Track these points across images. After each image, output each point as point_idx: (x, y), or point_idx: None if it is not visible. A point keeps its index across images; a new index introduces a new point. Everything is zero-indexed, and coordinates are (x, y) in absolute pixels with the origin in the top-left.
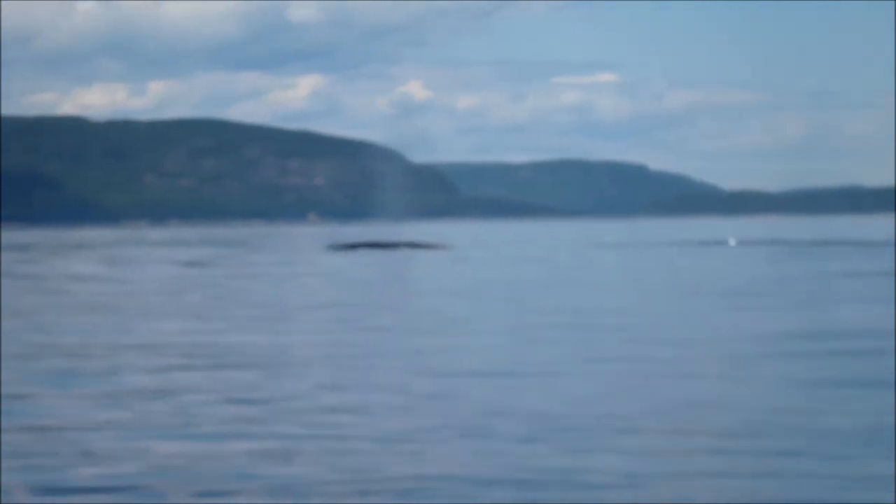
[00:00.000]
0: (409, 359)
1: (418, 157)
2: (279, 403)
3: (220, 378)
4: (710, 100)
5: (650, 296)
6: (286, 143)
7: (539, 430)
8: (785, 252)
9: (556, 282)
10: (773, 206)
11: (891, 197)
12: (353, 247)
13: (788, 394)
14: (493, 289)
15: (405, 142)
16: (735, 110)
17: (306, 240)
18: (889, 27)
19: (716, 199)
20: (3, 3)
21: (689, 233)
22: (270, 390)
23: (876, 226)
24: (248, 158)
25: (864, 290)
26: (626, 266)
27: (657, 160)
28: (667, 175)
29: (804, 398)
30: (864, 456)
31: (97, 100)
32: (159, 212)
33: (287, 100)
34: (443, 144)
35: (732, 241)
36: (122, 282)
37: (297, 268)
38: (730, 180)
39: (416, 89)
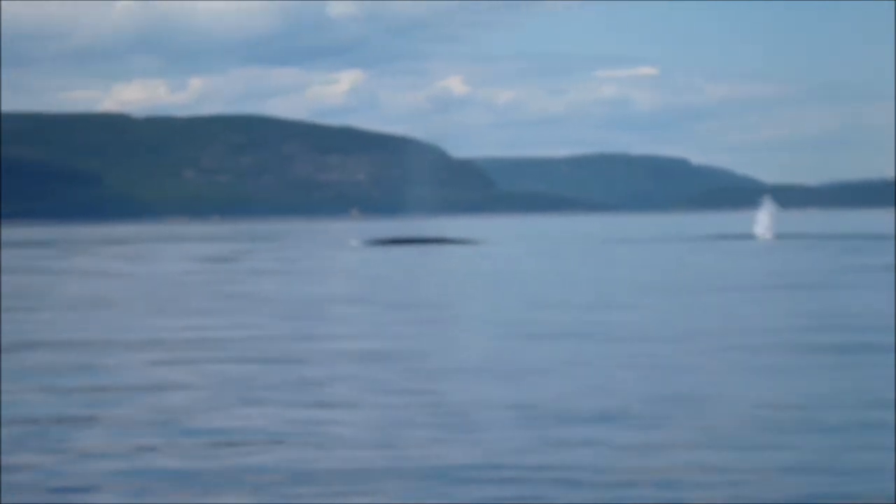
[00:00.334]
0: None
1: (457, 151)
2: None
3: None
4: (747, 92)
5: (653, 292)
6: (324, 139)
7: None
8: (820, 246)
9: (565, 278)
10: (814, 199)
11: None
12: (384, 243)
13: (756, 383)
14: (504, 283)
15: (443, 137)
16: (773, 102)
17: (339, 235)
18: None
19: (757, 193)
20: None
21: (724, 227)
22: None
23: None
24: (286, 154)
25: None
26: (641, 262)
27: (696, 153)
28: (707, 168)
29: (771, 387)
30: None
31: (137, 96)
32: (198, 207)
33: (325, 95)
34: (481, 139)
35: (767, 235)
36: (136, 277)
37: (319, 263)
38: (770, 173)
39: (454, 84)
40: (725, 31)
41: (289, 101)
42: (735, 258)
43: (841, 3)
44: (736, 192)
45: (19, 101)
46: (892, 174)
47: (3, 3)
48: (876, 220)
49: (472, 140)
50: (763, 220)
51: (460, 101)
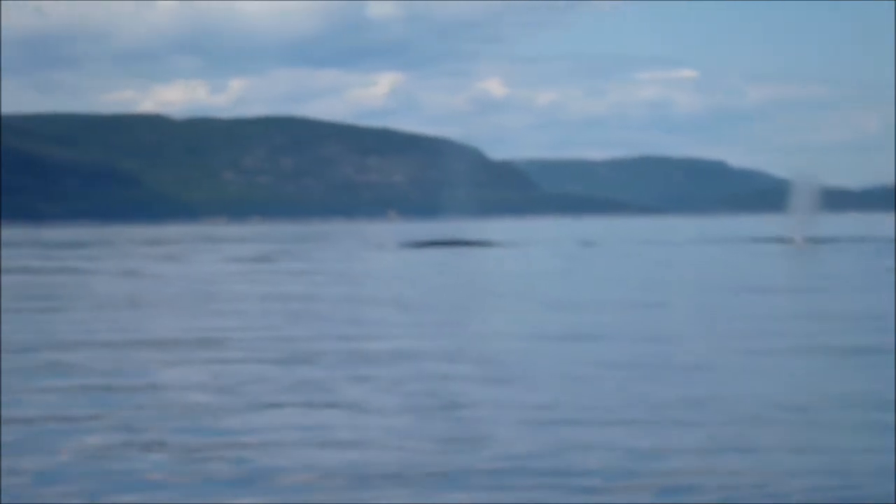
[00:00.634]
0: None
1: (496, 153)
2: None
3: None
4: (788, 94)
5: (655, 291)
6: (364, 141)
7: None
8: (851, 249)
9: (573, 280)
10: (855, 202)
11: None
12: (417, 245)
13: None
14: (510, 284)
15: (482, 138)
16: (813, 104)
17: (373, 238)
18: None
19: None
20: (79, 1)
21: (759, 229)
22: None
23: None
24: (327, 156)
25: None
26: (658, 263)
27: (735, 156)
28: (746, 171)
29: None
30: None
31: (177, 97)
32: (238, 209)
33: (366, 97)
34: (521, 140)
35: (798, 239)
36: (168, 278)
37: (349, 265)
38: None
39: (493, 86)
40: (767, 32)
41: (329, 103)
42: (760, 261)
43: (884, 3)
44: (774, 195)
45: (59, 103)
46: None
47: (44, 4)
48: None
49: (512, 141)
50: (796, 223)
51: (499, 103)
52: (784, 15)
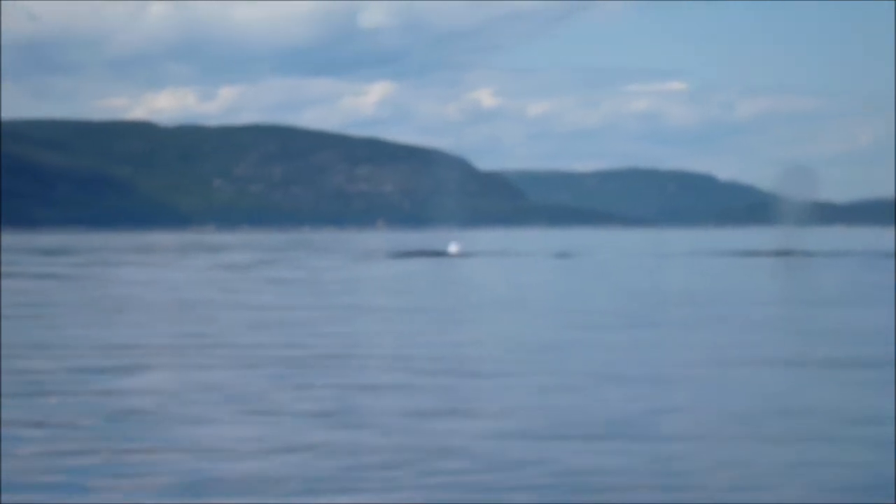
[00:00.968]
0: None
1: (486, 164)
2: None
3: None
4: (779, 107)
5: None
6: (355, 150)
7: None
8: (832, 264)
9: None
10: (841, 216)
11: None
12: (403, 255)
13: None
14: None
15: (472, 149)
16: (805, 118)
17: (357, 247)
18: None
19: (786, 210)
20: (74, 5)
21: (740, 243)
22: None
23: None
24: (317, 165)
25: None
26: (626, 274)
27: (726, 169)
28: (735, 185)
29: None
30: None
31: (167, 104)
32: (229, 216)
33: (357, 106)
34: (511, 151)
35: (784, 251)
36: (146, 285)
37: (326, 274)
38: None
39: (484, 96)
40: (758, 45)
41: (321, 112)
42: (734, 273)
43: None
44: (762, 209)
45: (53, 108)
46: None
47: (38, 10)
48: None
49: (502, 152)
50: (780, 236)
51: (490, 114)
52: (775, 28)
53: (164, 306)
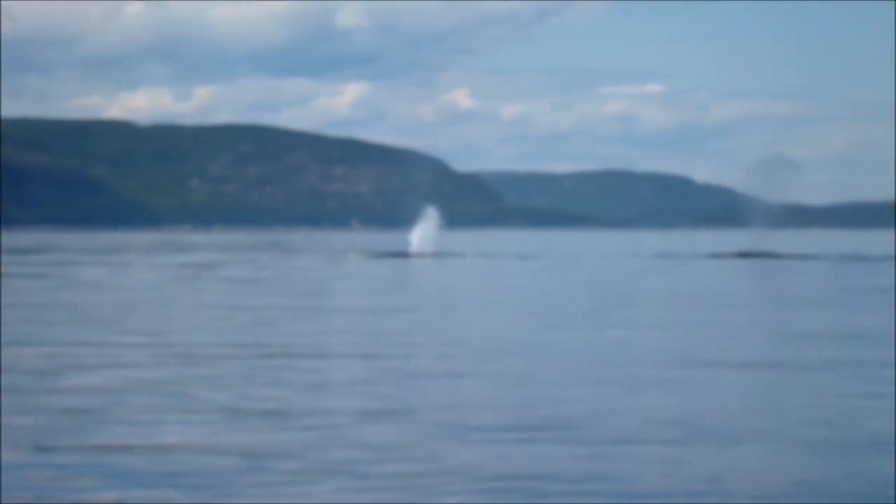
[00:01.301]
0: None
1: (462, 165)
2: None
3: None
4: (756, 111)
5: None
6: (330, 150)
7: None
8: (803, 267)
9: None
10: (816, 219)
11: None
12: (375, 256)
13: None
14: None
15: (448, 150)
16: (781, 121)
17: (328, 247)
18: None
19: (759, 212)
20: (51, 5)
21: (712, 245)
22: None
23: None
24: (293, 165)
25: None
26: (581, 276)
27: (703, 171)
28: (712, 187)
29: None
30: None
31: (143, 104)
32: (204, 216)
33: (333, 106)
34: (486, 153)
35: (752, 253)
36: (103, 287)
37: (294, 274)
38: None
39: (460, 97)
40: (733, 48)
41: (296, 112)
42: (705, 276)
43: (861, 18)
44: (738, 211)
45: (25, 107)
46: (893, 195)
47: (15, 9)
48: (872, 240)
49: (478, 153)
50: (752, 239)
51: (466, 115)
52: (752, 31)
53: (113, 306)
